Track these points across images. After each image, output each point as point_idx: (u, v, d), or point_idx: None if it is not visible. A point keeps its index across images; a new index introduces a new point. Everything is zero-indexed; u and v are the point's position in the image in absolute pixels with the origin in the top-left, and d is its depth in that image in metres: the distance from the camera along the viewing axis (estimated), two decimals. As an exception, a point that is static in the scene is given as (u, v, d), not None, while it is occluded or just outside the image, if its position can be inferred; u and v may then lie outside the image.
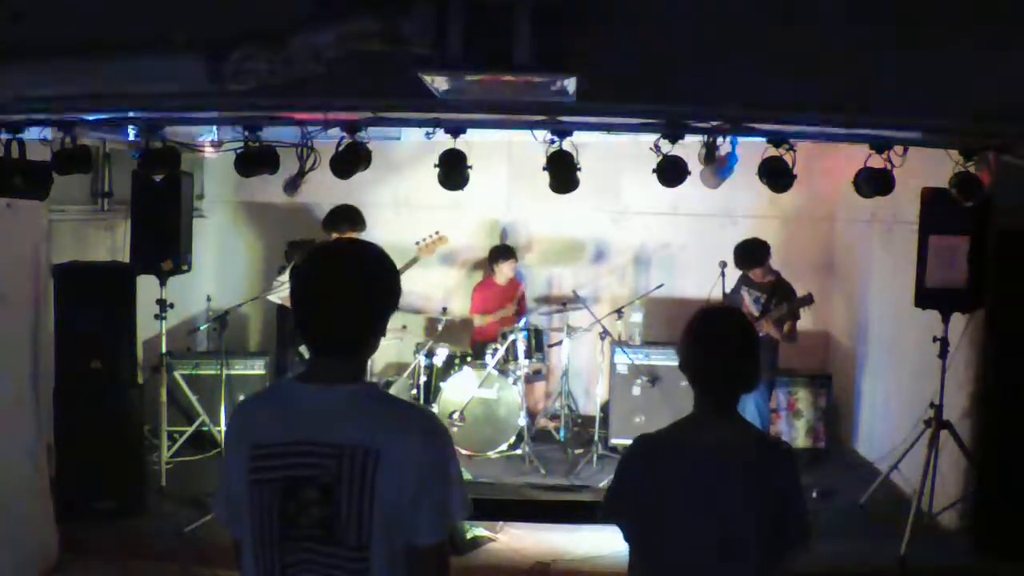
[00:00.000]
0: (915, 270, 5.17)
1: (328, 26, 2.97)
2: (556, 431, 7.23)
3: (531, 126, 4.40)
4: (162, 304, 5.72)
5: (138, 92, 3.60)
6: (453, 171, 4.52)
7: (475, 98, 3.30)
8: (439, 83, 3.10)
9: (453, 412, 6.54)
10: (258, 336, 7.81)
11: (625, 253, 7.87)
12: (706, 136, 4.52)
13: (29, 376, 4.73)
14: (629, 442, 2.44)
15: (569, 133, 4.42)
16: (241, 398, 6.26)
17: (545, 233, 7.85)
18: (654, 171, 4.47)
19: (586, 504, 5.55)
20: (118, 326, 5.36)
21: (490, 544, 5.17)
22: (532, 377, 7.12)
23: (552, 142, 4.44)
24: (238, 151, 4.65)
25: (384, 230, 6.50)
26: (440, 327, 7.04)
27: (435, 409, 6.53)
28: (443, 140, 4.55)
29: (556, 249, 7.89)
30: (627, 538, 2.35)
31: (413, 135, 5.49)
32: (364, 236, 5.93)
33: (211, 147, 5.71)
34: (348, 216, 5.90)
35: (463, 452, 6.49)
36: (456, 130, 4.48)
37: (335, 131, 4.60)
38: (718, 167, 4.80)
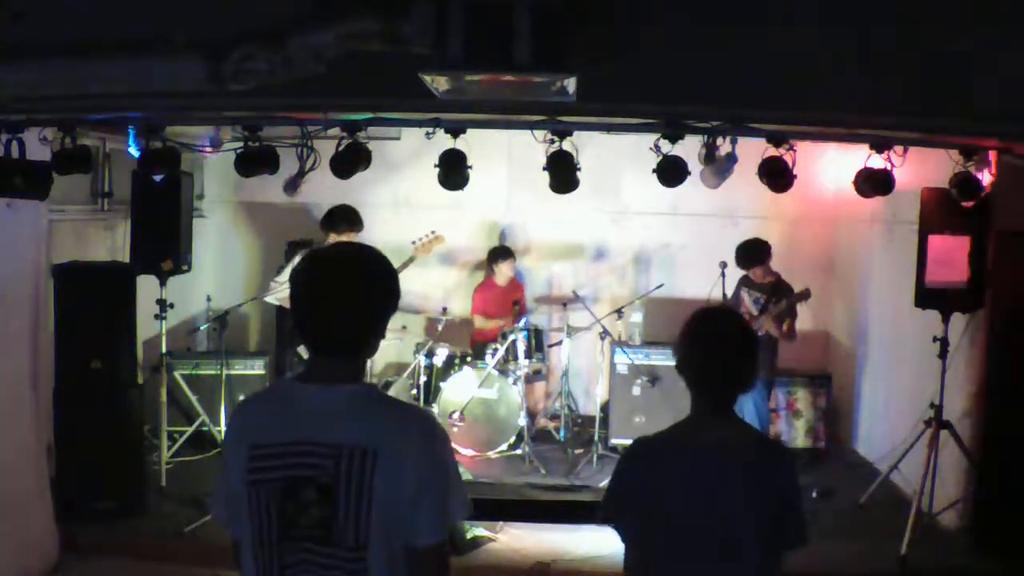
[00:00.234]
0: (915, 270, 5.18)
1: (328, 26, 2.97)
2: (556, 431, 7.23)
3: (531, 126, 4.40)
4: (162, 304, 5.72)
5: (138, 92, 3.59)
6: (453, 171, 4.52)
7: (475, 98, 3.30)
8: (439, 83, 3.10)
9: (453, 412, 6.54)
10: (258, 336, 7.81)
11: (625, 253, 7.87)
12: (706, 136, 4.52)
13: (29, 376, 4.74)
14: (629, 442, 2.44)
15: (569, 133, 4.42)
16: (241, 398, 6.26)
17: (545, 233, 7.85)
18: (654, 171, 4.47)
19: (586, 504, 5.55)
20: (118, 326, 5.36)
21: (490, 544, 5.17)
22: (532, 377, 7.12)
23: (552, 142, 4.44)
24: (238, 151, 4.65)
25: (384, 230, 6.50)
26: (440, 327, 7.04)
27: (435, 409, 6.54)
28: (443, 140, 4.55)
29: (556, 249, 7.89)
30: (624, 539, 2.35)
31: (413, 135, 5.49)
32: (363, 236, 5.94)
33: (211, 147, 5.71)
34: (346, 217, 5.90)
35: (463, 452, 6.50)
36: (456, 130, 4.48)
37: (335, 131, 4.61)
38: (718, 167, 4.80)
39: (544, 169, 4.49)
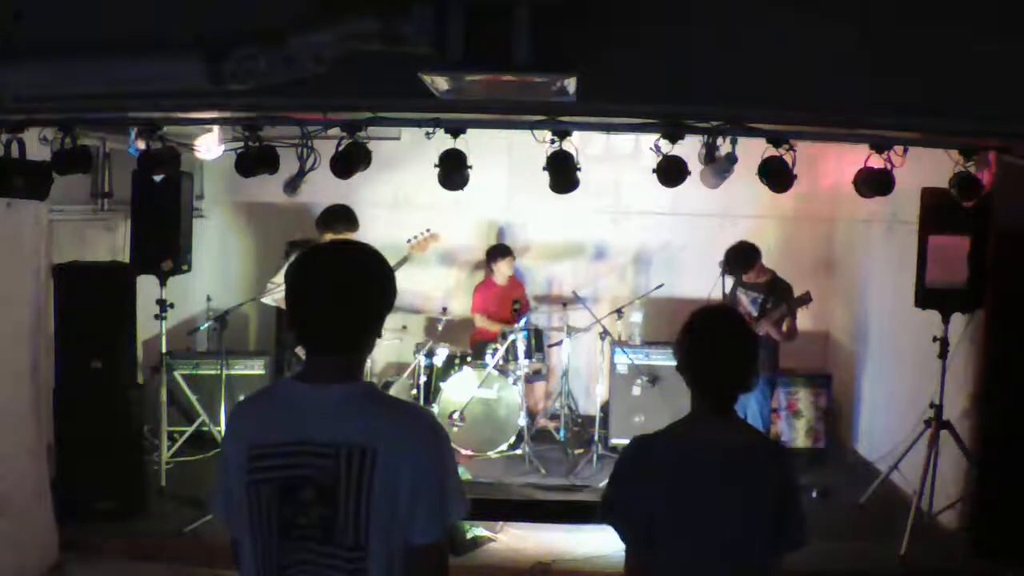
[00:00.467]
0: (915, 270, 5.17)
1: (328, 26, 2.97)
2: (556, 431, 7.23)
3: (531, 126, 4.40)
4: (162, 304, 5.72)
5: (138, 92, 3.59)
6: (453, 171, 4.52)
7: (475, 98, 3.30)
8: (439, 83, 3.10)
9: (453, 412, 6.54)
10: (257, 336, 7.81)
11: (625, 253, 7.87)
12: (706, 136, 4.52)
13: (29, 376, 4.73)
14: (627, 444, 2.43)
15: (569, 133, 4.42)
16: (241, 398, 6.26)
17: (545, 233, 7.85)
18: (654, 171, 4.46)
19: (586, 504, 5.55)
20: (118, 326, 5.37)
21: (490, 544, 5.17)
22: (532, 377, 7.12)
23: (552, 142, 4.44)
24: (238, 151, 4.65)
25: (384, 230, 6.50)
26: (440, 327, 7.04)
27: (435, 409, 6.54)
28: (443, 140, 4.55)
29: (556, 249, 7.89)
30: (624, 539, 2.35)
31: (413, 134, 5.49)
32: (363, 236, 5.93)
33: (215, 146, 5.69)
34: (342, 216, 5.90)
35: (463, 452, 6.50)
36: (456, 130, 4.48)
37: (335, 131, 4.60)
38: (718, 167, 4.80)
39: (544, 169, 4.49)
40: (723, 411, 2.32)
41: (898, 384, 6.41)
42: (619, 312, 7.01)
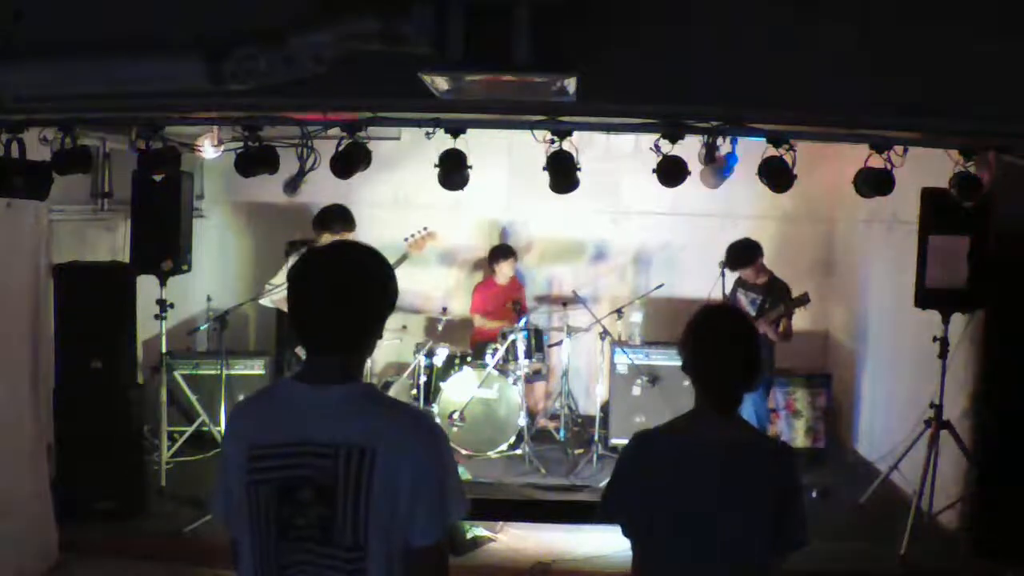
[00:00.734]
0: (915, 270, 5.17)
1: (328, 26, 2.97)
2: (556, 431, 7.23)
3: (531, 126, 4.40)
4: (162, 304, 5.72)
5: (138, 92, 3.59)
6: (453, 171, 4.52)
7: (475, 98, 3.30)
8: (439, 83, 3.10)
9: (453, 412, 6.54)
10: (257, 336, 7.81)
11: (625, 253, 7.87)
12: (706, 136, 4.52)
13: (29, 376, 4.73)
14: (628, 440, 2.43)
15: (569, 133, 4.42)
16: (241, 398, 6.25)
17: (545, 233, 7.85)
18: (654, 171, 4.46)
19: (586, 504, 5.55)
20: (118, 326, 5.37)
21: (490, 544, 5.17)
22: (532, 377, 7.12)
23: (552, 142, 4.44)
24: (238, 151, 4.65)
25: (384, 230, 6.49)
26: (440, 327, 7.04)
27: (435, 409, 6.54)
28: (443, 139, 4.55)
29: (556, 249, 7.89)
30: (627, 535, 2.35)
31: (413, 134, 5.49)
32: (363, 236, 5.93)
33: (211, 148, 5.70)
34: (338, 216, 5.89)
35: (463, 452, 6.50)
36: (456, 130, 4.47)
37: (335, 131, 4.60)
38: (718, 167, 4.80)
39: (544, 169, 4.49)
40: (725, 410, 2.32)
41: (898, 384, 6.41)
42: (619, 312, 7.01)
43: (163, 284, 5.71)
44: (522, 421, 6.58)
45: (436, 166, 4.49)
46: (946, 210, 4.96)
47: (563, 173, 4.50)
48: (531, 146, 4.54)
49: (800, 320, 6.02)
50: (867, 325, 7.11)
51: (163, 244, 5.70)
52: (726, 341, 2.31)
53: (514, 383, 6.65)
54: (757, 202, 7.09)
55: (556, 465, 6.52)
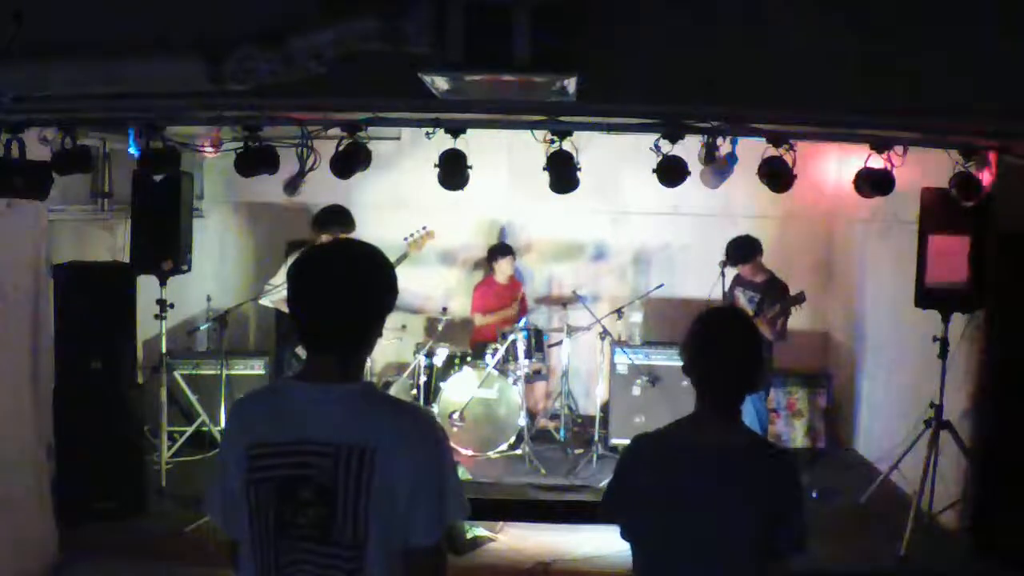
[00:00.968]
0: (915, 270, 5.17)
1: (328, 26, 2.97)
2: (556, 431, 7.23)
3: (531, 126, 4.40)
4: (162, 304, 5.72)
5: (138, 92, 3.60)
6: (453, 171, 4.52)
7: (475, 98, 3.30)
8: (439, 83, 3.10)
9: (453, 412, 6.54)
10: (257, 336, 7.80)
11: (625, 253, 7.86)
12: (706, 136, 4.52)
13: (29, 376, 4.73)
14: (629, 442, 2.43)
15: (569, 133, 4.42)
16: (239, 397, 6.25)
17: (545, 233, 7.85)
18: (654, 171, 4.47)
19: (586, 504, 5.55)
20: (118, 326, 5.37)
21: (490, 544, 5.17)
22: (532, 377, 7.12)
23: (552, 142, 4.44)
24: (238, 151, 4.65)
25: (383, 230, 6.49)
26: (440, 327, 7.03)
27: (435, 409, 6.53)
28: (443, 140, 4.55)
29: (556, 249, 7.89)
30: (627, 537, 2.35)
31: (413, 135, 5.49)
32: (363, 236, 5.91)
33: (211, 148, 5.70)
34: (337, 217, 5.89)
35: (463, 452, 6.49)
36: (456, 130, 4.48)
37: (335, 131, 4.60)
38: (718, 167, 4.80)
39: (544, 169, 4.49)
40: (728, 412, 2.31)
41: (898, 384, 6.41)
42: (619, 312, 7.01)
43: (163, 284, 5.70)
44: (522, 421, 6.58)
45: (436, 166, 4.50)
46: (946, 210, 4.96)
47: (563, 173, 4.50)
48: (531, 146, 4.55)
49: (799, 320, 6.02)
50: (867, 325, 7.11)
51: (163, 244, 5.69)
52: (728, 345, 2.30)
53: (514, 383, 6.65)
54: (757, 202, 7.08)
55: (556, 465, 6.52)
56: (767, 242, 6.14)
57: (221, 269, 7.66)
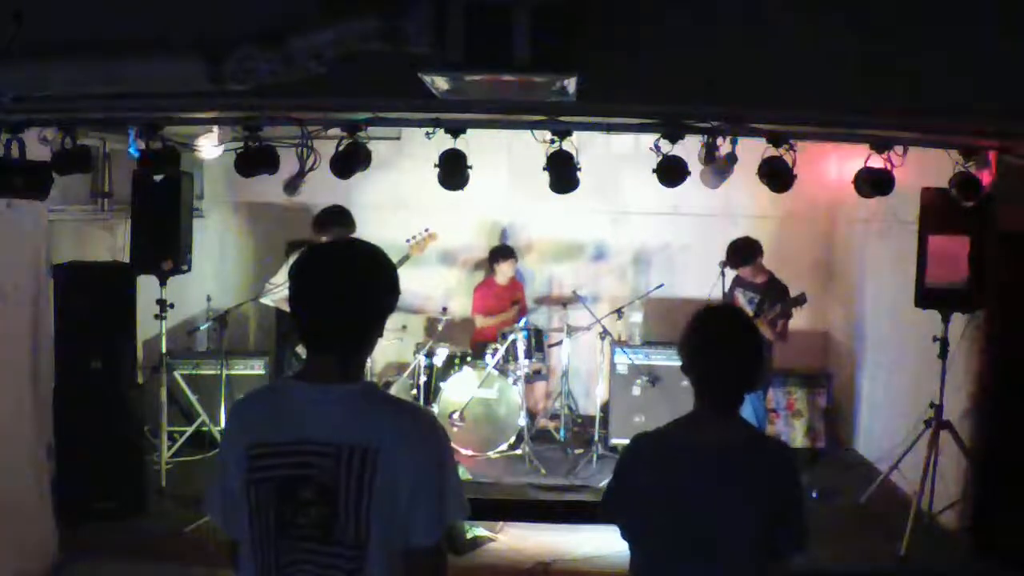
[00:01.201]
0: (915, 270, 5.17)
1: (328, 26, 2.97)
2: (556, 431, 7.23)
3: (531, 126, 4.40)
4: (162, 304, 5.72)
5: (138, 92, 3.60)
6: (453, 171, 4.52)
7: (475, 98, 3.30)
8: (439, 83, 3.10)
9: (453, 412, 6.54)
10: (257, 336, 7.80)
11: (625, 253, 7.86)
12: (706, 136, 4.52)
13: (29, 376, 4.73)
14: (628, 442, 2.43)
15: (569, 133, 4.42)
16: (239, 396, 6.25)
17: (545, 233, 7.85)
18: (654, 171, 4.46)
19: (586, 504, 5.55)
20: (118, 326, 5.36)
21: (490, 544, 5.17)
22: (532, 377, 7.12)
23: (552, 142, 4.44)
24: (238, 151, 4.65)
25: (383, 230, 6.48)
26: (440, 327, 7.03)
27: (435, 409, 6.53)
28: (443, 140, 4.55)
29: (556, 249, 7.89)
30: (626, 537, 2.35)
31: (413, 134, 5.49)
32: (362, 236, 5.92)
33: (211, 148, 5.70)
34: (337, 217, 5.89)
35: (463, 452, 6.49)
36: (456, 130, 4.48)
37: (335, 131, 4.60)
38: (718, 167, 4.80)
39: (544, 169, 4.49)
40: (727, 410, 2.31)
41: (898, 384, 6.41)
42: (619, 312, 7.01)
43: (163, 284, 5.70)
44: (522, 421, 6.58)
45: (436, 166, 4.50)
46: (946, 210, 4.96)
47: (563, 173, 4.50)
48: (531, 146, 4.54)
49: (800, 320, 6.01)
50: (867, 325, 7.11)
51: (163, 244, 5.69)
52: (726, 342, 2.30)
53: (514, 383, 6.65)
54: (757, 202, 7.08)
55: (556, 465, 6.52)
56: (767, 242, 6.14)
57: (221, 269, 7.66)
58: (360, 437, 1.78)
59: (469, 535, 5.10)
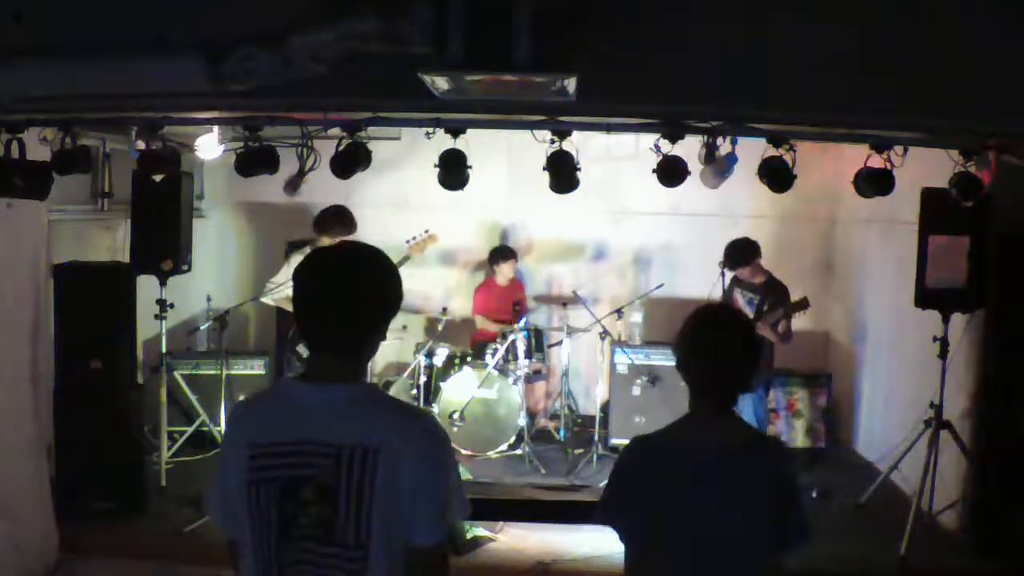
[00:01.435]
0: (915, 270, 5.17)
1: (328, 26, 2.97)
2: (556, 431, 7.23)
3: (531, 126, 4.40)
4: (162, 304, 5.72)
5: (138, 92, 3.59)
6: (453, 171, 4.52)
7: (475, 98, 3.30)
8: (439, 83, 3.10)
9: (453, 412, 6.54)
10: (257, 336, 7.80)
11: (625, 253, 7.86)
12: (706, 136, 4.52)
13: (29, 376, 4.73)
14: (627, 444, 2.43)
15: (569, 133, 4.42)
16: (241, 398, 6.25)
17: (545, 233, 7.85)
18: (654, 171, 4.46)
19: (586, 504, 5.55)
20: (118, 326, 5.36)
21: (490, 544, 5.17)
22: (532, 377, 7.12)
23: (552, 142, 4.44)
24: (238, 151, 4.65)
25: (384, 230, 6.50)
26: (440, 327, 7.04)
27: (435, 409, 6.54)
28: (443, 140, 4.55)
29: (556, 249, 7.89)
30: (623, 539, 2.34)
31: (413, 135, 5.49)
32: (363, 236, 5.93)
33: (211, 147, 5.69)
34: (337, 218, 5.89)
35: (463, 452, 6.50)
36: (456, 130, 4.48)
37: (335, 131, 4.60)
38: (718, 167, 4.79)
39: (544, 169, 4.49)
40: (723, 411, 2.31)
41: (898, 384, 6.41)
42: (619, 312, 7.01)
43: (163, 284, 5.70)
44: (522, 421, 6.58)
45: (436, 166, 4.50)
46: (946, 210, 4.96)
47: (563, 173, 4.50)
48: (531, 146, 4.54)
49: (800, 320, 6.01)
50: (867, 325, 7.11)
51: (163, 244, 5.69)
52: (722, 340, 2.30)
53: (514, 383, 6.65)
54: (757, 202, 7.09)
55: (556, 465, 6.52)
56: (767, 242, 6.14)
57: (221, 269, 7.66)
58: (360, 437, 1.78)
59: (469, 535, 5.10)
